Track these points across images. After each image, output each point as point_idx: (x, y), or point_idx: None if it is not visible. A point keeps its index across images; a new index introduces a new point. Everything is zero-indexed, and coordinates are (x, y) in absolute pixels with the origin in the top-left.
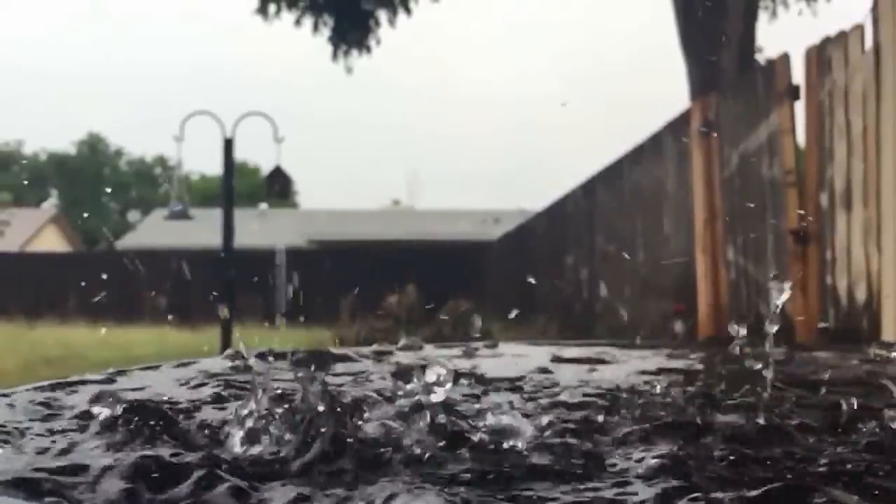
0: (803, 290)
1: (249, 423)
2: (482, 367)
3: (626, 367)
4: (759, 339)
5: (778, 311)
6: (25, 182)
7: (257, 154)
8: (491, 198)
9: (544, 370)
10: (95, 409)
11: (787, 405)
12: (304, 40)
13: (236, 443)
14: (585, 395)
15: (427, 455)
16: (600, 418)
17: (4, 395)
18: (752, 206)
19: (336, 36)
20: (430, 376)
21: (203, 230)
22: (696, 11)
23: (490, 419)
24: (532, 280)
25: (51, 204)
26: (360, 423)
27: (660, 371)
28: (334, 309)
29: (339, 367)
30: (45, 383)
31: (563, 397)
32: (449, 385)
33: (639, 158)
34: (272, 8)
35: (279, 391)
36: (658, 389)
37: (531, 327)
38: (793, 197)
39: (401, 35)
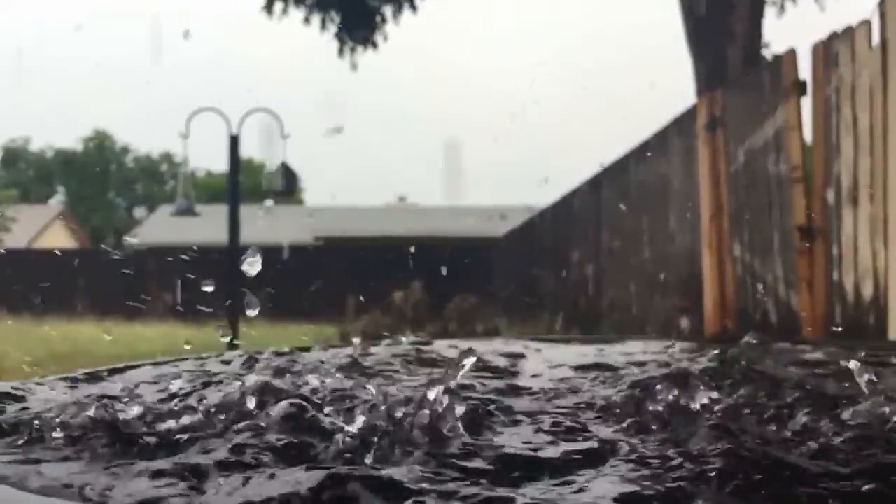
0: (809, 287)
1: None
2: None
3: None
4: (764, 336)
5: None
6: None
7: (263, 150)
8: (497, 194)
9: None
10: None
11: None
12: (311, 37)
13: None
14: None
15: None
16: None
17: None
18: (758, 202)
19: (342, 32)
20: None
21: (209, 227)
22: (703, 7)
23: None
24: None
25: (58, 201)
26: None
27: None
28: (340, 305)
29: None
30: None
31: None
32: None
33: (645, 155)
34: (279, 6)
35: None
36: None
37: (537, 324)
38: (799, 193)
39: (407, 32)
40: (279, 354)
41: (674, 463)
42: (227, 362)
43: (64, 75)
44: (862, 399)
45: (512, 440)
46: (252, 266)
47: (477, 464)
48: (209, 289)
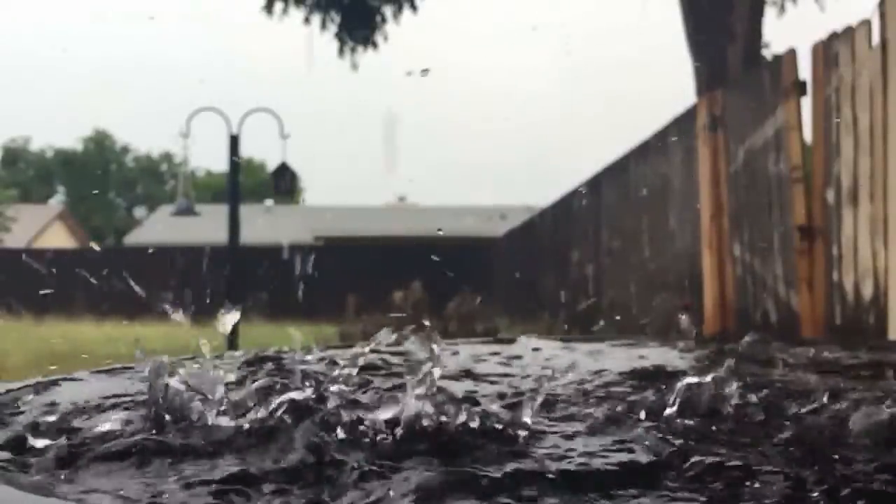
0: (809, 287)
1: None
2: None
3: None
4: (765, 335)
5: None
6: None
7: (263, 150)
8: (497, 194)
9: None
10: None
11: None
12: (311, 37)
13: None
14: None
15: None
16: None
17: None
18: (759, 201)
19: (342, 32)
20: None
21: (209, 226)
22: (703, 7)
23: None
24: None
25: (58, 201)
26: None
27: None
28: (340, 305)
29: None
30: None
31: None
32: None
33: (645, 154)
34: (279, 6)
35: None
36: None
37: (537, 323)
38: (799, 193)
39: (407, 31)
40: (280, 354)
41: (673, 469)
42: (229, 363)
43: (64, 75)
44: (854, 401)
45: (514, 445)
46: (228, 321)
47: (491, 471)
48: (178, 317)
